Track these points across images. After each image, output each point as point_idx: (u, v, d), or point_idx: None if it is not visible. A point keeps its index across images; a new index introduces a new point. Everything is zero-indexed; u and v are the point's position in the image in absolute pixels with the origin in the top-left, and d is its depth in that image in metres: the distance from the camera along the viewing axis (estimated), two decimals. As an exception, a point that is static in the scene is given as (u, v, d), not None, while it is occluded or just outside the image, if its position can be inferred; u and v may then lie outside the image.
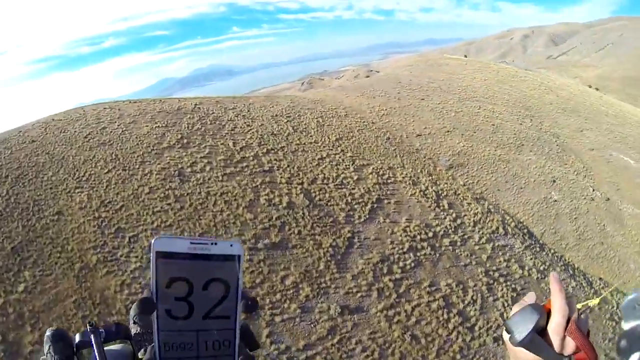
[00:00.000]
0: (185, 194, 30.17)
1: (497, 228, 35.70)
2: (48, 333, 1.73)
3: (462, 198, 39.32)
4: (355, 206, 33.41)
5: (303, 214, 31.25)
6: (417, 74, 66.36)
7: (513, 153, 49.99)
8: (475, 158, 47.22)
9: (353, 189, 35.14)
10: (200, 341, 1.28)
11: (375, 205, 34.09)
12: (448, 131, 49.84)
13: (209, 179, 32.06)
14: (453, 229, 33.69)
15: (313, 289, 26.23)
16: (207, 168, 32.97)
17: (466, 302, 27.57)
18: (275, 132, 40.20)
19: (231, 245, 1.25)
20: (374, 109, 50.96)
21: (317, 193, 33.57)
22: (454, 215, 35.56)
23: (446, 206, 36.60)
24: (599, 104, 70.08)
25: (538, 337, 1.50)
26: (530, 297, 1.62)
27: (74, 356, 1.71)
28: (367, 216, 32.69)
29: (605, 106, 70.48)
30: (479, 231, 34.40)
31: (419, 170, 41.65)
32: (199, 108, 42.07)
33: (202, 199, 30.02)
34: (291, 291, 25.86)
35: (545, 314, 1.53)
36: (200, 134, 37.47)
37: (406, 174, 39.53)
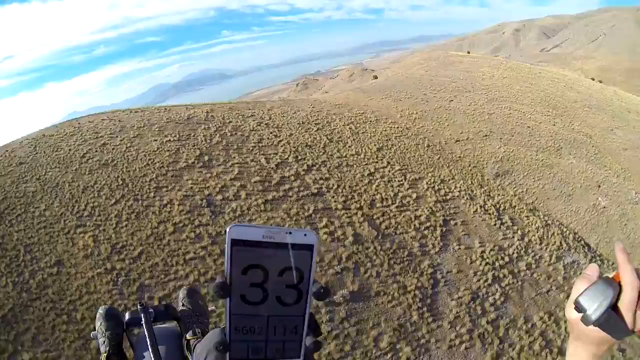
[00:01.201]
0: (223, 232, 22.25)
1: (560, 243, 30.46)
2: (101, 311, 2.20)
3: (519, 211, 33.29)
4: (425, 232, 27.00)
5: (375, 249, 24.35)
6: (433, 73, 59.68)
7: (554, 157, 44.06)
8: (519, 164, 41.18)
9: (416, 210, 28.70)
10: (270, 326, 1.22)
11: (445, 229, 27.85)
12: (485, 135, 43.30)
13: (248, 208, 24.43)
14: (524, 250, 28.29)
15: (413, 348, 20.33)
16: (242, 194, 25.27)
17: (562, 336, 22.93)
18: (309, 144, 32.62)
19: (305, 235, 1.15)
20: (404, 113, 43.86)
21: (381, 219, 26.68)
22: (519, 232, 29.88)
23: (509, 222, 30.74)
24: (619, 100, 64.21)
25: (614, 315, 1.33)
26: (592, 270, 1.43)
27: (124, 333, 2.17)
28: (441, 243, 26.51)
29: (624, 102, 64.62)
30: (546, 249, 29.23)
31: (469, 182, 35.15)
32: (213, 116, 34.20)
33: (247, 239, 22.13)
34: (389, 355, 19.86)
35: (619, 288, 1.35)
36: (223, 148, 29.69)
37: (461, 188, 33.33)
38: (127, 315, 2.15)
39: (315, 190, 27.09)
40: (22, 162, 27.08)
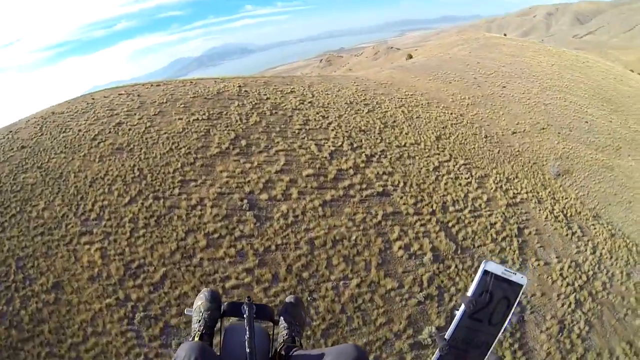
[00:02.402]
0: (273, 247, 16.67)
1: (627, 257, 25.71)
2: (205, 292, 2.21)
3: (584, 218, 28.04)
4: (502, 243, 21.92)
5: (456, 267, 19.04)
6: (478, 55, 53.53)
7: (613, 158, 37.92)
8: (579, 164, 35.03)
9: (489, 215, 23.29)
10: (474, 339, 1.59)
11: (520, 240, 22.66)
12: (543, 128, 37.63)
13: (303, 213, 18.92)
14: (597, 266, 23.74)
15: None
16: (293, 192, 19.54)
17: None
18: (363, 128, 26.87)
19: (522, 277, 1.60)
20: (455, 97, 37.88)
21: (457, 227, 21.22)
22: (590, 245, 25.03)
23: (579, 232, 25.69)
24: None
25: None
26: None
27: (219, 319, 2.19)
28: (520, 258, 21.57)
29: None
30: (616, 264, 24.63)
31: (533, 182, 29.74)
32: (247, 91, 28.27)
33: (304, 257, 16.98)
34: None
35: None
36: (263, 130, 23.87)
37: (526, 188, 28.09)
38: (226, 304, 2.20)
39: (380, 189, 21.33)
40: (24, 145, 22.10)
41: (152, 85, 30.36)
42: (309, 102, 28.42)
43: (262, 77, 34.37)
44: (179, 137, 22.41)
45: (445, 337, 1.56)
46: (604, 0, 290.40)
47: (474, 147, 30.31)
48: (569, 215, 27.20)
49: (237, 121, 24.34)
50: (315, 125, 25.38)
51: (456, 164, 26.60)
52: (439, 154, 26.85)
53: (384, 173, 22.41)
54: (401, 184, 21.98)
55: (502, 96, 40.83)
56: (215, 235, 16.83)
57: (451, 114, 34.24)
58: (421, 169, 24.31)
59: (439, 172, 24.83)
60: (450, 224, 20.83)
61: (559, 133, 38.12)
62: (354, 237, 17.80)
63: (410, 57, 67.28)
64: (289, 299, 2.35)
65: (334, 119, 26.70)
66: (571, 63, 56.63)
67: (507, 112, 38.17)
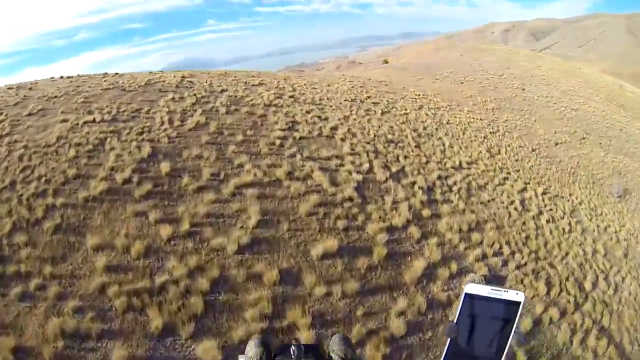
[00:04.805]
0: None
1: None
2: (255, 340, 1.90)
3: None
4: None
5: None
6: (471, 57, 44.53)
7: (660, 173, 29.04)
8: (632, 179, 25.44)
9: (625, 282, 12.25)
10: None
11: None
12: (583, 138, 28.45)
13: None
14: None
15: None
16: (300, 322, 6.32)
17: None
18: (390, 138, 14.64)
19: (517, 294, 1.31)
20: (476, 100, 28.24)
21: (611, 326, 9.48)
22: None
23: None
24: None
25: None
26: None
27: None
28: None
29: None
30: None
31: (612, 211, 19.39)
32: (191, 82, 16.17)
33: None
34: None
35: None
36: (210, 141, 11.87)
37: (616, 223, 17.80)
38: (276, 348, 1.95)
39: (484, 270, 8.83)
40: None
41: (62, 77, 19.91)
42: (290, 97, 16.44)
43: (218, 70, 22.04)
44: (42, 155, 10.19)
45: None
46: (557, 17, 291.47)
47: (532, 165, 19.51)
48: (654, 256, 17.24)
49: (161, 124, 11.98)
50: (311, 132, 13.17)
51: (537, 195, 15.52)
52: (507, 178, 15.39)
53: (469, 228, 10.30)
54: (506, 251, 9.80)
55: (526, 100, 30.95)
56: None
57: (481, 120, 23.41)
58: (507, 209, 12.34)
59: (528, 211, 13.21)
60: (610, 326, 8.95)
61: (600, 143, 29.05)
62: None
63: (386, 62, 56.36)
64: (337, 337, 1.94)
65: (338, 122, 14.68)
66: (566, 69, 49.46)
67: (539, 119, 28.15)
